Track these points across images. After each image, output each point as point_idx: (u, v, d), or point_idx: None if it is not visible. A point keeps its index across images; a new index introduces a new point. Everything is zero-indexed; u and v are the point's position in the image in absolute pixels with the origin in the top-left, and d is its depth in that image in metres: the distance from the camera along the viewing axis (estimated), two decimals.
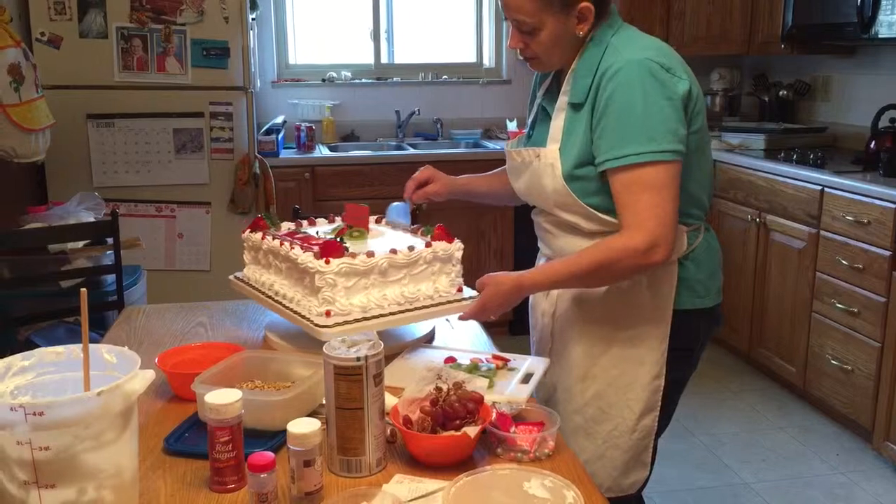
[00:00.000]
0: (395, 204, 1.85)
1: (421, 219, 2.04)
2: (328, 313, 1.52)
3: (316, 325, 1.51)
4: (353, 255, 1.55)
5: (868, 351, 2.94)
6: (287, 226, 1.81)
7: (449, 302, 1.65)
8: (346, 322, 1.52)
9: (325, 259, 1.52)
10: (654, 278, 1.56)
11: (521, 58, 1.61)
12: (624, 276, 1.53)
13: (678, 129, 1.44)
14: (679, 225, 1.54)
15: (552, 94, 1.62)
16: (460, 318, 1.64)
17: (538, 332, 1.76)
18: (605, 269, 1.48)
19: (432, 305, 1.63)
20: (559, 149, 1.54)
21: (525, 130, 1.79)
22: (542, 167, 1.56)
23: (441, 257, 1.65)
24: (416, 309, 1.61)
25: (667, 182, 1.43)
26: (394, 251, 1.59)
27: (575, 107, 1.52)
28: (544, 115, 1.63)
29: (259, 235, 1.74)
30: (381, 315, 1.57)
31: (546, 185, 1.56)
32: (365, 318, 1.54)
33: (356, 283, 1.54)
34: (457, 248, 1.68)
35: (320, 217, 1.90)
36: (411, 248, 1.61)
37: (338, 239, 1.63)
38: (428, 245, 1.64)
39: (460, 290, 1.68)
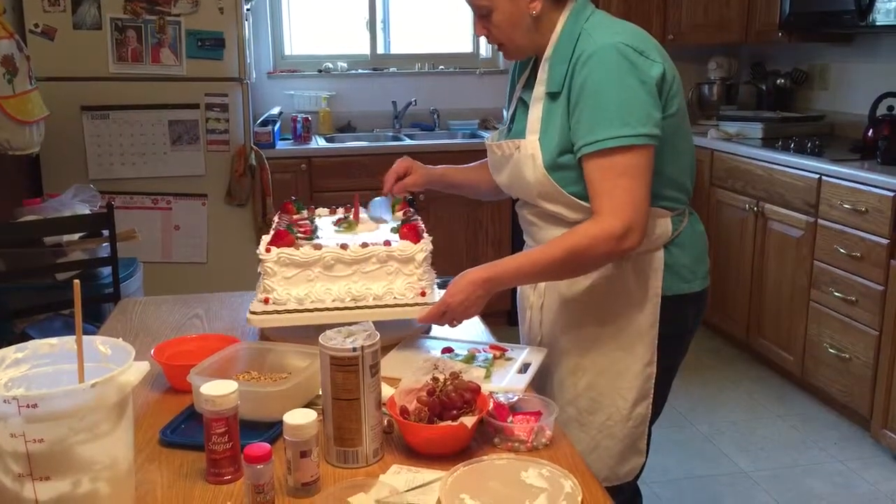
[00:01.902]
0: (377, 199, 1.80)
1: (418, 209, 2.03)
2: (266, 301, 1.54)
3: (250, 311, 1.54)
4: (298, 247, 1.54)
5: (866, 339, 2.94)
6: (321, 212, 1.85)
7: (399, 305, 1.55)
8: (277, 312, 1.53)
9: (266, 248, 1.54)
10: (640, 265, 1.55)
11: (492, 46, 1.61)
12: (598, 264, 1.51)
13: (652, 113, 1.43)
14: (662, 210, 1.54)
15: (530, 84, 1.61)
16: (419, 320, 1.55)
17: (526, 324, 1.76)
18: (580, 256, 1.45)
19: (378, 306, 1.55)
20: (539, 139, 1.53)
21: (500, 124, 1.79)
22: (523, 159, 1.55)
23: (398, 258, 1.56)
24: (358, 308, 1.54)
25: (641, 167, 1.43)
26: (343, 246, 1.55)
27: (552, 96, 1.52)
28: (523, 107, 1.62)
29: (277, 219, 1.77)
30: (317, 309, 1.54)
31: (528, 176, 1.55)
32: (297, 311, 1.53)
33: (297, 274, 1.54)
34: (419, 249, 1.57)
35: (349, 204, 1.90)
36: (364, 245, 1.56)
37: (296, 229, 1.64)
38: (387, 243, 1.57)
39: (423, 294, 1.57)
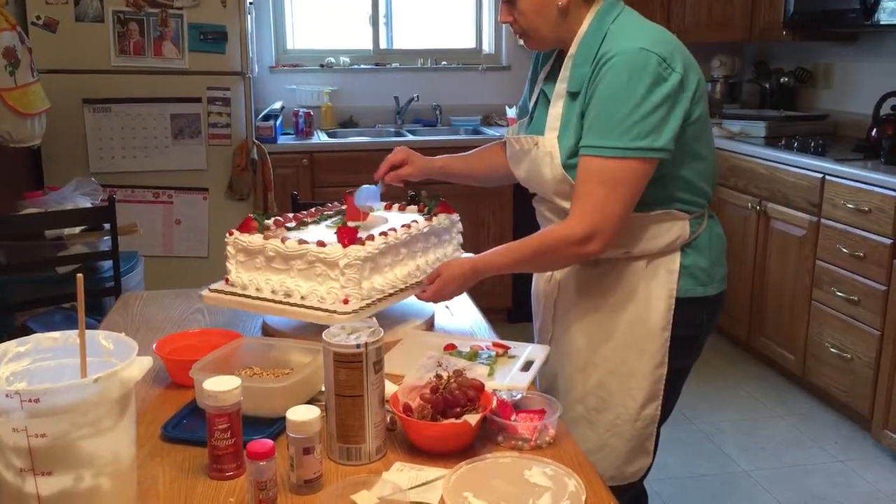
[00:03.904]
0: (365, 186, 1.78)
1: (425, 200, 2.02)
2: (227, 280, 1.64)
3: (208, 288, 1.65)
4: (255, 234, 1.61)
5: (868, 339, 2.94)
6: (336, 205, 1.90)
7: (317, 308, 1.51)
8: (223, 292, 1.62)
9: (230, 231, 1.64)
10: (656, 266, 1.55)
11: (516, 37, 1.60)
12: (566, 263, 1.57)
13: (658, 126, 1.42)
14: (679, 213, 1.53)
15: (553, 77, 1.60)
16: (417, 296, 1.63)
17: (540, 319, 1.76)
18: (545, 255, 1.52)
19: (299, 306, 1.54)
20: (557, 137, 1.52)
21: (516, 115, 1.79)
22: (541, 155, 1.55)
23: (324, 260, 1.53)
24: (283, 303, 1.55)
25: (625, 179, 1.43)
26: (283, 240, 1.58)
27: (573, 95, 1.51)
28: (544, 100, 1.62)
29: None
30: (250, 297, 1.59)
31: (545, 173, 1.55)
32: (238, 295, 1.60)
33: (247, 261, 1.61)
34: (343, 255, 1.51)
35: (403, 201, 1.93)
36: (301, 242, 1.55)
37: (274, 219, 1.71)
38: (320, 244, 1.54)
39: (346, 301, 1.51)
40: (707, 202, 1.60)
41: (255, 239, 1.60)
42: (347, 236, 1.55)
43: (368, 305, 1.54)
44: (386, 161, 1.83)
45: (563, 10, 1.50)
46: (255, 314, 1.76)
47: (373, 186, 1.80)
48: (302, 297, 1.55)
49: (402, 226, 1.68)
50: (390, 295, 1.61)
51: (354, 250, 1.52)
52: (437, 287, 1.59)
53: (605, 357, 1.59)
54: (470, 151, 1.93)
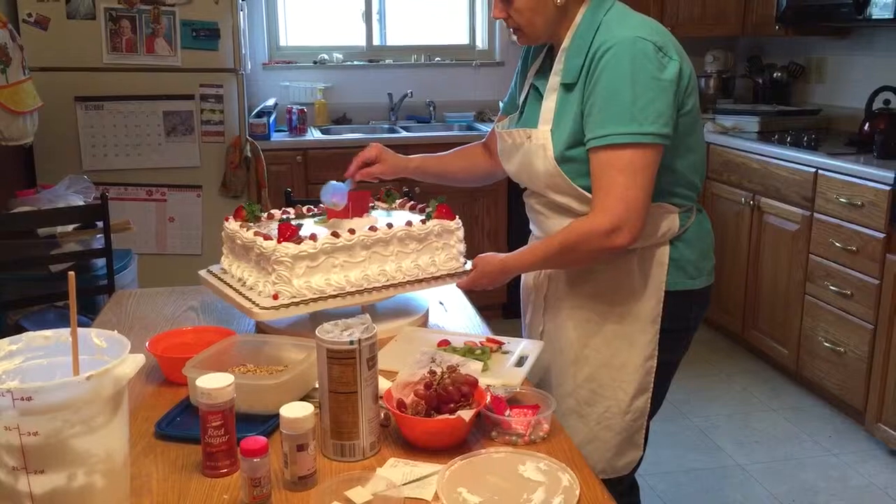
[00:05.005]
0: (333, 182, 1.74)
1: (419, 197, 2.01)
2: (222, 269, 1.73)
3: (207, 269, 1.77)
4: (236, 222, 1.69)
5: (861, 333, 2.95)
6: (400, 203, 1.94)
7: (246, 298, 1.54)
8: (212, 273, 1.73)
9: (225, 217, 1.74)
10: (646, 259, 1.55)
11: (509, 31, 1.59)
12: (591, 258, 1.53)
13: (664, 112, 1.42)
14: (670, 206, 1.54)
15: (544, 72, 1.61)
16: (457, 285, 1.71)
17: (529, 313, 1.76)
18: (572, 251, 1.49)
19: (241, 294, 1.57)
20: (551, 130, 1.52)
21: (502, 110, 1.78)
22: (534, 149, 1.54)
23: (263, 255, 1.54)
24: (232, 287, 1.62)
25: (643, 166, 1.42)
26: (247, 229, 1.64)
27: (567, 87, 1.51)
28: (536, 95, 1.61)
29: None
30: (222, 280, 1.67)
31: (538, 166, 1.55)
32: (216, 277, 1.70)
33: (232, 247, 1.69)
34: (273, 249, 1.51)
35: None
36: (256, 234, 1.58)
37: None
38: (266, 237, 1.56)
39: (275, 297, 1.51)
40: (696, 195, 1.60)
41: (233, 226, 1.66)
42: (281, 230, 1.54)
43: (296, 305, 1.52)
44: (357, 158, 1.82)
45: (561, 7, 1.50)
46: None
47: (341, 183, 1.76)
48: (250, 288, 1.58)
49: (370, 228, 1.61)
50: (334, 297, 1.55)
51: (284, 247, 1.51)
52: (473, 278, 1.65)
53: (596, 350, 1.60)
54: (447, 151, 1.93)
